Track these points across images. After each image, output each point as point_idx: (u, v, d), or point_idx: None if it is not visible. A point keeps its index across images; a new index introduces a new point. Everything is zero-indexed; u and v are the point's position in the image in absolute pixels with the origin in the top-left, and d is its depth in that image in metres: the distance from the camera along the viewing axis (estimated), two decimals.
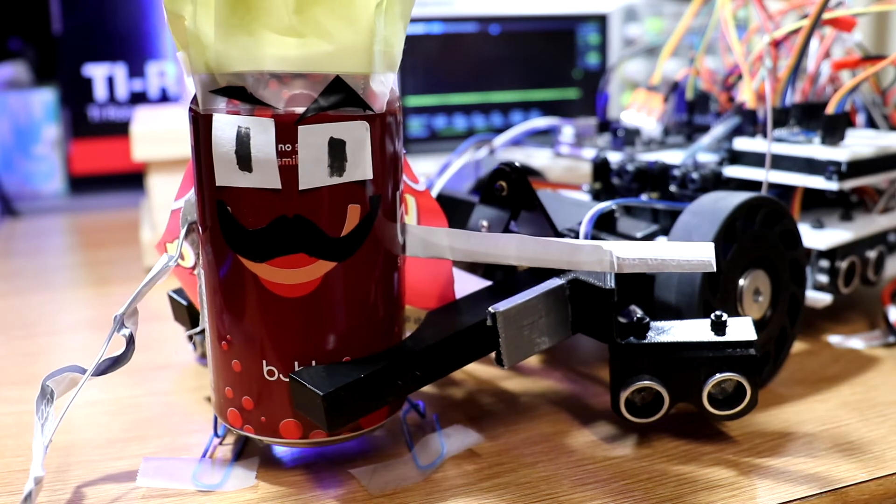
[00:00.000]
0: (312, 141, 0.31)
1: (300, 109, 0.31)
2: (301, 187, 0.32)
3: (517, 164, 0.43)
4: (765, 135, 0.49)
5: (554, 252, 0.36)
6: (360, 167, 0.33)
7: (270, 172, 0.32)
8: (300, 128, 0.31)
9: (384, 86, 0.33)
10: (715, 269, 0.35)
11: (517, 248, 0.36)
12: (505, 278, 0.43)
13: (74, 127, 0.95)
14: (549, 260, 0.36)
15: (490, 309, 0.35)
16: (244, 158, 0.32)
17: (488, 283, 0.43)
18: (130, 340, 0.36)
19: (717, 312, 0.37)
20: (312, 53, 0.31)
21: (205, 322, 0.36)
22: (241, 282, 0.34)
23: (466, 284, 0.42)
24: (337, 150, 0.32)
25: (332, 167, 0.32)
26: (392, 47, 0.33)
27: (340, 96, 0.32)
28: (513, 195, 0.43)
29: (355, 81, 0.32)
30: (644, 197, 0.50)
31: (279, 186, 0.32)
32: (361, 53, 0.31)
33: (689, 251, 0.35)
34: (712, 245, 0.35)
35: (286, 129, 0.31)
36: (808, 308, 0.47)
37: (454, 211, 0.47)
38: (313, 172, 0.32)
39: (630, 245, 0.35)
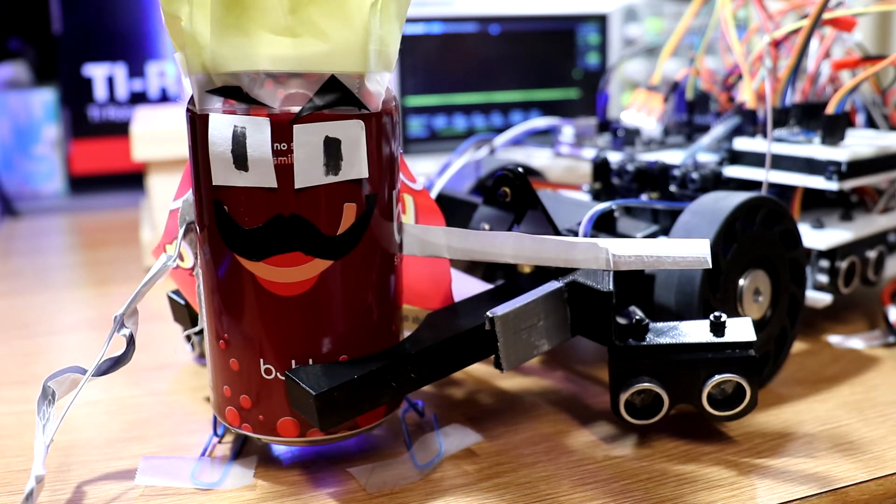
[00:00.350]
0: (308, 140, 0.31)
1: (296, 109, 0.31)
2: (297, 186, 0.32)
3: (520, 169, 0.43)
4: (765, 135, 0.49)
5: (550, 250, 0.36)
6: (356, 166, 0.33)
7: (266, 171, 0.32)
8: (295, 127, 0.31)
9: (380, 85, 0.33)
10: (710, 266, 0.35)
11: (514, 247, 0.36)
12: (506, 281, 0.43)
13: (74, 127, 0.95)
14: (546, 258, 0.36)
15: (488, 313, 0.35)
16: (240, 158, 0.32)
17: (488, 285, 0.42)
18: (131, 341, 0.36)
19: (717, 313, 0.37)
20: (307, 53, 0.31)
21: (203, 322, 0.36)
22: (239, 281, 0.34)
23: (466, 286, 0.42)
24: (332, 149, 0.32)
25: (328, 166, 0.32)
26: (388, 47, 0.33)
27: (336, 95, 0.32)
28: (516, 201, 0.43)
29: (351, 81, 0.32)
30: (644, 197, 0.50)
31: (275, 185, 0.32)
32: (356, 53, 0.31)
33: (684, 248, 0.35)
34: (708, 241, 0.35)
35: (282, 129, 0.31)
36: (808, 308, 0.46)
37: (454, 211, 0.47)
38: (309, 171, 0.32)
39: (626, 242, 0.35)
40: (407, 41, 0.77)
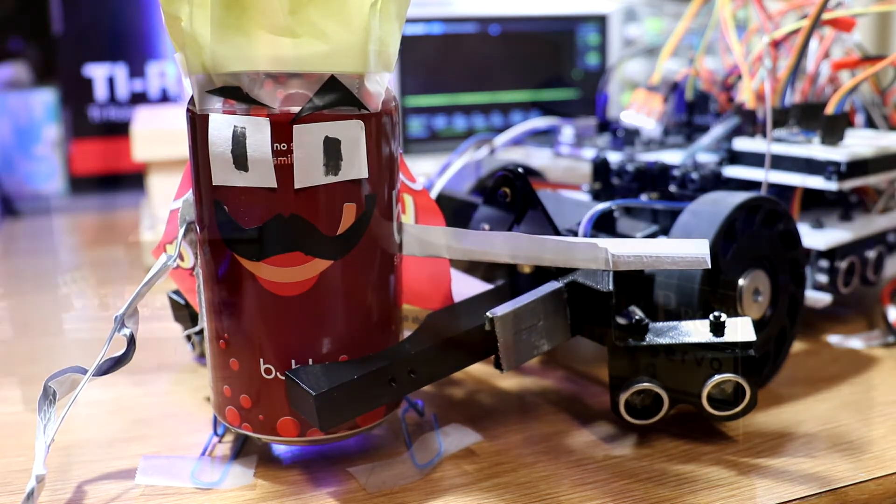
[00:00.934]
0: (307, 140, 0.32)
1: (295, 109, 0.31)
2: (297, 186, 0.32)
3: (520, 169, 0.43)
4: (764, 135, 0.49)
5: (550, 250, 0.36)
6: (356, 166, 0.33)
7: (266, 171, 0.32)
8: (295, 127, 0.31)
9: (379, 85, 0.33)
10: (709, 266, 0.35)
11: (513, 247, 0.36)
12: (506, 282, 0.43)
13: (75, 127, 0.95)
14: (545, 258, 0.36)
15: (488, 313, 0.35)
16: (240, 158, 0.32)
17: (488, 285, 0.42)
18: (131, 341, 0.36)
19: (716, 313, 0.37)
20: (307, 53, 0.31)
21: (203, 322, 0.36)
22: (239, 280, 0.34)
23: (466, 286, 0.42)
24: (332, 149, 0.32)
25: (328, 166, 0.32)
26: (387, 47, 0.33)
27: (335, 96, 0.32)
28: (516, 201, 0.43)
29: (350, 81, 0.32)
30: (644, 197, 0.50)
31: (275, 185, 0.32)
32: (356, 53, 0.31)
33: (684, 248, 0.35)
34: (707, 241, 0.35)
35: (281, 129, 0.31)
36: (807, 308, 0.46)
37: (454, 211, 0.47)
38: (309, 171, 0.32)
39: (625, 242, 0.35)
40: (407, 41, 0.77)
